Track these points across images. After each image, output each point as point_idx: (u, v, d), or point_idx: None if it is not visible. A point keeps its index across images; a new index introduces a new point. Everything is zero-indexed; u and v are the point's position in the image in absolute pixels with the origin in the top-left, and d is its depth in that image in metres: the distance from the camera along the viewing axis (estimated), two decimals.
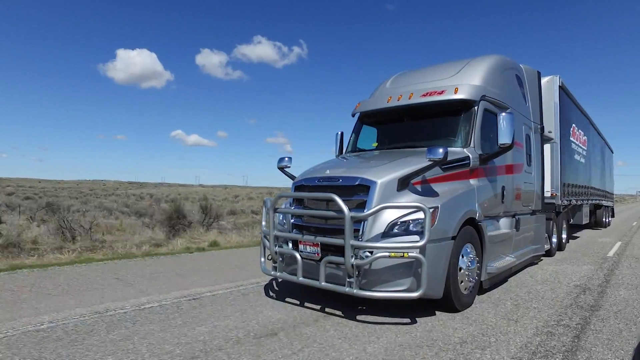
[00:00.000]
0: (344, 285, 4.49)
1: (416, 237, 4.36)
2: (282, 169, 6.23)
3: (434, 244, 4.45)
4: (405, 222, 4.49)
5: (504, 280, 6.75)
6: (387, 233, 4.49)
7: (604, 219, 17.73)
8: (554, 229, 9.96)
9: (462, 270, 4.97)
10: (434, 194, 4.88)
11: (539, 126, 8.31)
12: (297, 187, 5.47)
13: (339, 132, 7.73)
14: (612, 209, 20.74)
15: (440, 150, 4.57)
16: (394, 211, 4.53)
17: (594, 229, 17.21)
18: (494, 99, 6.28)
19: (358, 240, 4.52)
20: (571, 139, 10.94)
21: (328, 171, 5.30)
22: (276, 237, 5.24)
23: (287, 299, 5.50)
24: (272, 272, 5.30)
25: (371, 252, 4.38)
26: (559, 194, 9.75)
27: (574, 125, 11.19)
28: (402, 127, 6.65)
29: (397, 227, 4.50)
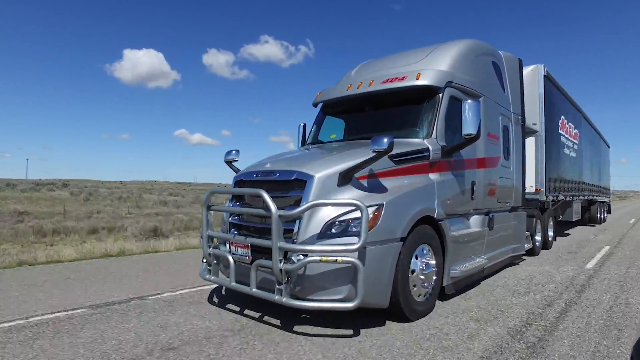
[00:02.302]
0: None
1: (355, 239, 3.83)
2: (229, 162, 5.69)
3: (376, 247, 3.92)
4: (344, 221, 3.96)
5: (477, 282, 6.23)
6: (324, 234, 3.96)
7: (598, 215, 17.14)
8: (538, 227, 9.41)
9: (415, 275, 4.44)
10: (381, 189, 4.33)
11: (519, 117, 7.73)
12: (237, 182, 4.95)
13: (302, 124, 7.20)
14: (609, 205, 20.15)
15: (385, 140, 4.03)
16: (332, 209, 4.00)
17: (589, 226, 16.64)
18: (464, 86, 5.72)
19: (291, 241, 4.00)
20: (560, 131, 10.36)
21: (269, 165, 4.79)
22: (210, 238, 4.72)
23: (228, 306, 4.99)
24: (207, 276, 4.79)
25: (306, 256, 3.85)
26: (543, 189, 9.19)
27: (562, 117, 10.60)
28: (364, 117, 6.10)
29: (335, 228, 3.97)
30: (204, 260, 4.82)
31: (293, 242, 3.99)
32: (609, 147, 20.02)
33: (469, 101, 5.00)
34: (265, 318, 4.51)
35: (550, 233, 10.27)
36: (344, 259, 3.67)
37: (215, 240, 4.81)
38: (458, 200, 5.50)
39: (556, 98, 10.16)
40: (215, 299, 5.30)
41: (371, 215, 3.94)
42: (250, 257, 4.24)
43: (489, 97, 6.40)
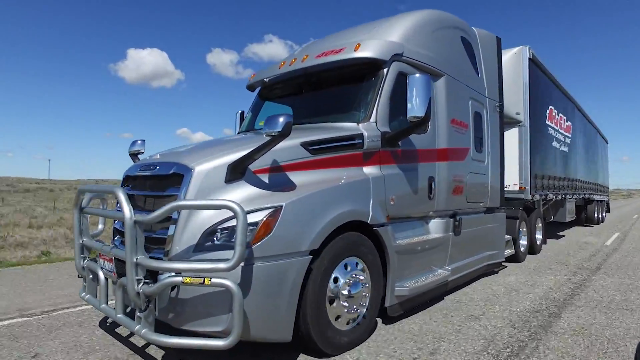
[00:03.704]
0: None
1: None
2: (133, 155, 4.68)
3: (268, 263, 2.92)
4: (227, 229, 2.96)
5: (439, 298, 5.20)
6: (202, 245, 2.97)
7: (596, 215, 16.06)
8: (524, 230, 8.37)
9: (336, 297, 3.43)
10: (285, 187, 3.33)
11: (497, 104, 6.70)
12: (124, 179, 3.96)
13: (239, 112, 6.21)
14: (607, 204, 19.06)
15: (281, 119, 3.02)
16: (215, 213, 3.00)
17: (586, 226, 15.58)
18: (418, 60, 4.71)
19: (163, 255, 3.02)
20: (547, 122, 9.31)
21: (158, 155, 3.82)
22: (84, 247, 3.73)
23: (118, 330, 4.01)
24: (82, 294, 3.80)
25: (179, 274, 2.85)
26: (528, 187, 8.16)
27: (551, 107, 9.55)
28: (301, 100, 5.09)
29: (216, 237, 2.98)
30: (79, 276, 3.83)
31: (165, 256, 3.01)
32: (607, 143, 18.93)
33: (417, 75, 3.99)
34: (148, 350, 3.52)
35: (539, 236, 9.23)
36: (215, 280, 2.67)
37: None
38: (409, 201, 4.49)
39: (544, 85, 9.12)
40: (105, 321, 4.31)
41: (262, 221, 2.94)
42: (116, 273, 3.25)
43: (455, 78, 5.38)
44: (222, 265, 2.64)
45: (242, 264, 2.79)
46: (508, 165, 8.04)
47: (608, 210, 19.43)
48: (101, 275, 3.44)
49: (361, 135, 3.93)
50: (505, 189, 8.17)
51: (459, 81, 5.50)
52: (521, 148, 8.15)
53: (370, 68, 4.35)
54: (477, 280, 6.27)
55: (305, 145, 3.55)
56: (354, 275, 3.58)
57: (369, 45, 4.34)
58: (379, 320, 4.27)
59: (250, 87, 5.67)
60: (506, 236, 7.32)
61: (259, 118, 5.56)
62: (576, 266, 7.59)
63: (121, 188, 3.17)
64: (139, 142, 4.73)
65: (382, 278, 3.98)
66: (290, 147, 3.45)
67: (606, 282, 6.27)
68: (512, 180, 8.17)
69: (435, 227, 5.04)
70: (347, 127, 4.03)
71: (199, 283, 2.68)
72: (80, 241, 3.70)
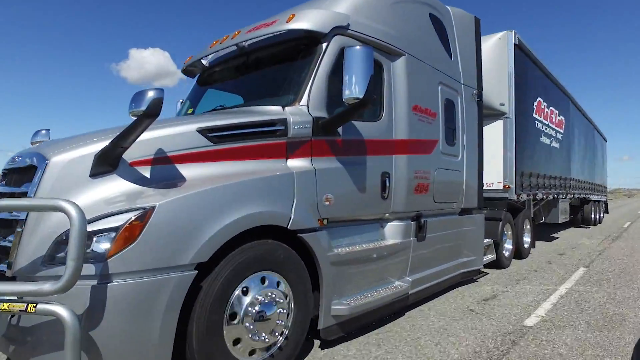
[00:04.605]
0: None
1: (90, 267, 2.16)
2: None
3: (130, 281, 2.24)
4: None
5: (396, 314, 4.50)
6: (51, 257, 2.29)
7: (593, 216, 15.29)
8: (509, 232, 7.65)
9: (239, 322, 2.72)
10: (171, 182, 2.64)
11: (475, 92, 5.98)
12: (2, 174, 3.28)
13: (179, 100, 5.52)
14: (605, 204, 18.29)
15: (149, 94, 2.33)
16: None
17: (583, 227, 14.83)
18: (369, 35, 4.00)
19: (4, 269, 2.35)
20: (535, 115, 8.58)
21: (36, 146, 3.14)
22: None
23: None
24: None
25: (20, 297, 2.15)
26: (513, 185, 7.44)
27: (539, 99, 8.81)
28: (236, 83, 4.41)
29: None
30: None
31: (9, 268, 2.33)
32: (605, 141, 18.16)
33: (356, 47, 3.28)
34: None
35: (527, 239, 8.50)
36: (43, 306, 1.98)
37: None
38: (353, 201, 3.78)
39: (532, 74, 8.39)
40: None
41: (123, 227, 2.25)
42: None
43: (419, 59, 4.67)
44: (47, 286, 1.95)
45: (93, 282, 2.12)
46: (492, 162, 7.36)
47: (606, 211, 18.67)
48: None
49: (284, 121, 3.23)
50: (488, 187, 7.49)
51: (424, 63, 4.79)
52: (506, 142, 7.43)
53: (307, 43, 3.66)
54: (445, 292, 5.54)
55: (203, 131, 2.86)
56: (268, 293, 2.87)
57: (305, 15, 3.64)
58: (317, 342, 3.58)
59: (188, 73, 4.96)
60: (486, 240, 6.62)
61: (200, 107, 4.87)
62: (566, 272, 6.88)
63: None
64: (43, 131, 4.04)
65: (313, 295, 3.29)
66: (182, 133, 2.77)
67: (597, 294, 5.55)
68: (496, 178, 7.47)
69: (393, 232, 4.33)
70: (268, 110, 3.34)
71: (20, 310, 1.99)
72: None
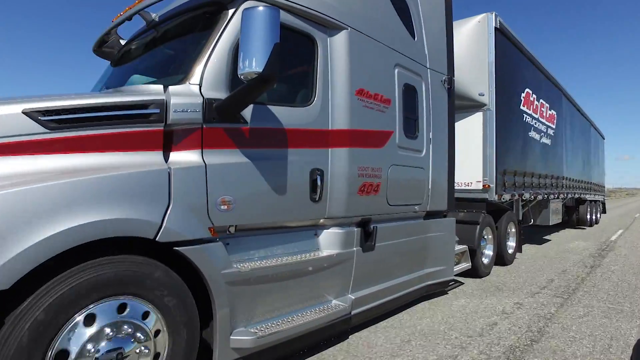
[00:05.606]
0: None
1: None
2: None
3: None
4: None
5: (339, 338, 3.77)
6: None
7: (589, 217, 14.52)
8: (488, 237, 6.90)
9: None
10: None
11: (444, 77, 5.23)
12: None
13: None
14: (603, 204, 17.49)
15: None
16: None
17: (579, 228, 14.07)
18: (294, 3, 3.26)
19: None
20: (523, 108, 7.81)
21: None
22: None
23: None
24: None
25: None
26: (494, 185, 6.69)
27: (527, 90, 8.04)
28: (140, 60, 3.66)
29: None
30: None
31: None
32: (603, 139, 17.36)
33: (258, 8, 2.53)
34: None
35: (511, 244, 7.75)
36: None
37: None
38: (269, 204, 3.03)
39: (517, 62, 7.63)
40: None
41: None
42: None
43: (367, 34, 3.92)
44: None
45: None
46: (470, 159, 6.63)
47: (604, 211, 17.88)
48: None
49: (161, 103, 2.48)
50: (467, 187, 6.76)
51: (375, 41, 4.04)
52: (485, 137, 6.67)
53: (212, 10, 2.93)
54: (415, 304, 4.83)
55: (34, 114, 2.11)
56: (124, 329, 2.14)
57: None
58: None
59: (100, 54, 4.22)
60: (460, 247, 5.88)
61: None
62: (550, 289, 6.14)
63: None
64: None
65: (200, 326, 2.56)
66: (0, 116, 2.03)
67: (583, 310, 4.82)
68: (475, 176, 6.73)
69: (329, 241, 3.59)
70: (143, 90, 2.61)
71: None
72: None
